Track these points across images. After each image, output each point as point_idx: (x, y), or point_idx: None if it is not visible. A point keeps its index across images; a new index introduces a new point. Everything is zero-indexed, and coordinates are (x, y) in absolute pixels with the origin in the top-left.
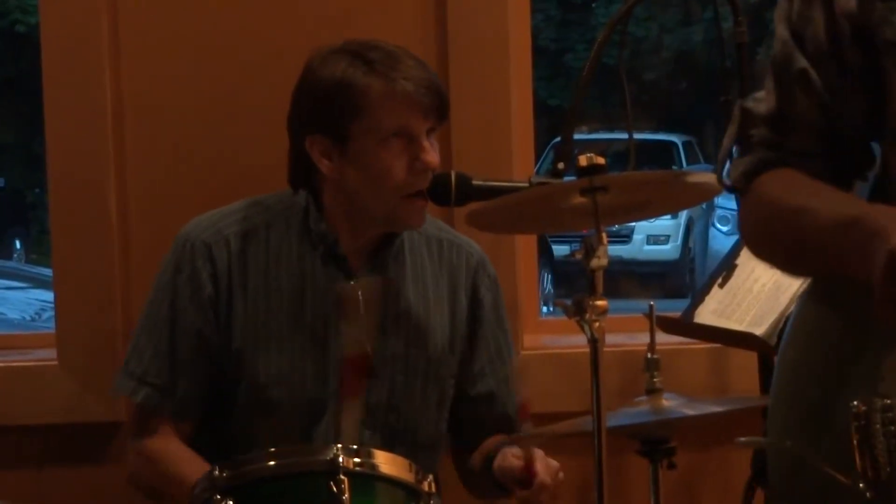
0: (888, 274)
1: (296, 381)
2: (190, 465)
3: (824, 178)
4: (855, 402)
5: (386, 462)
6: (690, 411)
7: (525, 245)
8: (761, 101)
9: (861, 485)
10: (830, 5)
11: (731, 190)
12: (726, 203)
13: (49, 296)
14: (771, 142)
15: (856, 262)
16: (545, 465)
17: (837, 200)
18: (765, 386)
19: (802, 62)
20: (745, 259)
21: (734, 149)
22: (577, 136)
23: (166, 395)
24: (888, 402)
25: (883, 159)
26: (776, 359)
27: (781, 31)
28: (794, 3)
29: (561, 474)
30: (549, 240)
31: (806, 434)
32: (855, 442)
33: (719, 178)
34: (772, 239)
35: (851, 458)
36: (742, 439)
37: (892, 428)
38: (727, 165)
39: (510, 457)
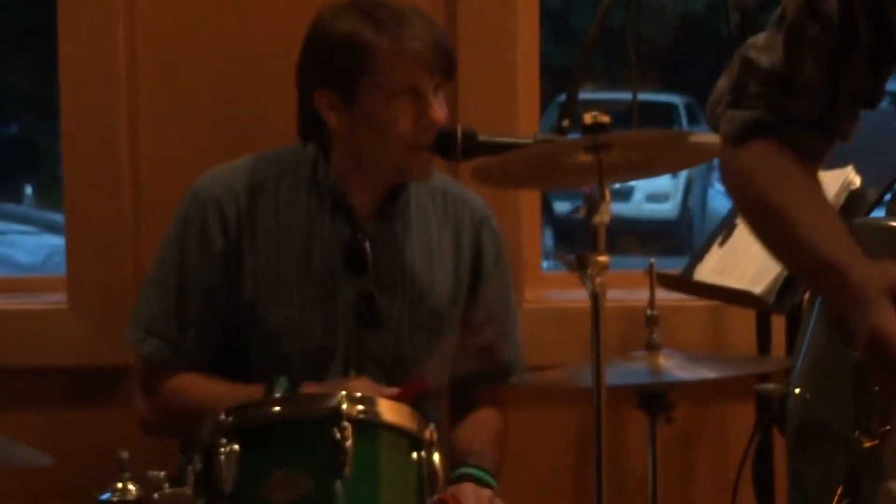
0: (871, 356)
1: (306, 332)
2: (221, 384)
3: (811, 144)
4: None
5: (389, 410)
6: (687, 374)
7: (528, 200)
8: (764, 52)
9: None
10: None
11: (720, 137)
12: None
13: (59, 241)
14: (771, 101)
15: (832, 305)
16: (472, 500)
17: (820, 223)
18: (762, 344)
19: (816, 30)
20: None
21: (730, 95)
22: (581, 96)
23: (174, 348)
24: None
25: None
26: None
27: None
28: None
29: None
30: (551, 196)
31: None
32: None
33: (710, 122)
34: (754, 222)
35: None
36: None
37: None
38: (723, 110)
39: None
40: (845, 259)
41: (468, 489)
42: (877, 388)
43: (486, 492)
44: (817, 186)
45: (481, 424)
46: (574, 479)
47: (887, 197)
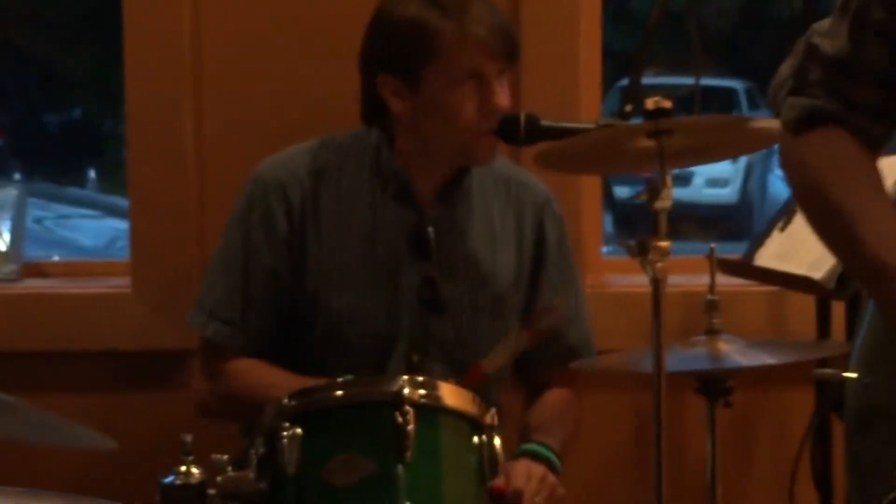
0: None
1: (368, 317)
2: (279, 373)
3: (873, 132)
4: None
5: (450, 394)
6: (747, 359)
7: (590, 185)
8: (828, 38)
9: None
10: None
11: (781, 123)
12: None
13: (121, 224)
14: (833, 88)
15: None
16: (523, 480)
17: (878, 222)
18: (821, 329)
19: (882, 14)
20: None
21: (792, 81)
22: (643, 81)
23: (236, 331)
24: None
25: None
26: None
27: None
28: None
29: (552, 482)
30: (611, 181)
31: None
32: None
33: (773, 108)
34: (812, 215)
35: None
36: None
37: None
38: (784, 96)
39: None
40: (890, 257)
41: (521, 466)
42: None
43: (539, 468)
44: (878, 181)
45: (548, 404)
46: (633, 464)
47: None
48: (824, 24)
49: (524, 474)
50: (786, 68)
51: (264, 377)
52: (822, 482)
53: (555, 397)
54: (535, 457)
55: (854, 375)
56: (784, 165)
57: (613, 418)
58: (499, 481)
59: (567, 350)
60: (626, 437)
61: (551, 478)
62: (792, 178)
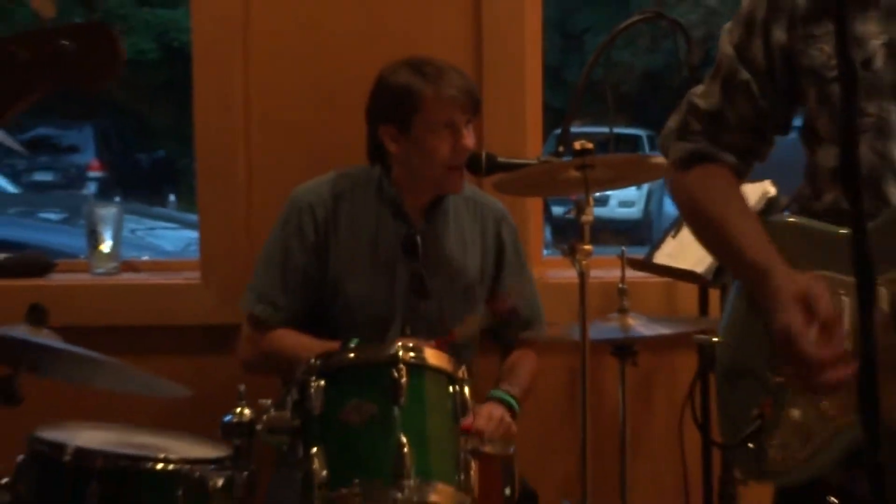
0: (779, 349)
1: (373, 301)
2: (307, 339)
3: (739, 168)
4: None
5: (432, 356)
6: (648, 331)
7: (534, 205)
8: (704, 98)
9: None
10: (768, 37)
11: (669, 162)
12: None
13: (193, 234)
14: (709, 135)
15: (752, 289)
16: (483, 421)
17: (746, 234)
18: (702, 308)
19: (746, 75)
20: None
21: (676, 131)
22: (572, 130)
23: (277, 310)
24: None
25: (807, 152)
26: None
27: (728, 49)
28: (735, 31)
29: (507, 421)
30: (549, 202)
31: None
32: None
33: (662, 150)
34: (695, 228)
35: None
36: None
37: None
38: (671, 142)
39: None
40: (766, 263)
41: (485, 409)
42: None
43: (499, 410)
44: (742, 200)
45: (512, 360)
46: (566, 408)
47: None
48: (700, 88)
49: (486, 416)
50: (671, 122)
51: (296, 342)
52: (703, 423)
53: (517, 356)
54: (499, 401)
55: (720, 339)
56: (672, 192)
57: (552, 375)
58: (466, 421)
59: (525, 323)
60: (561, 389)
61: (508, 418)
62: (679, 202)
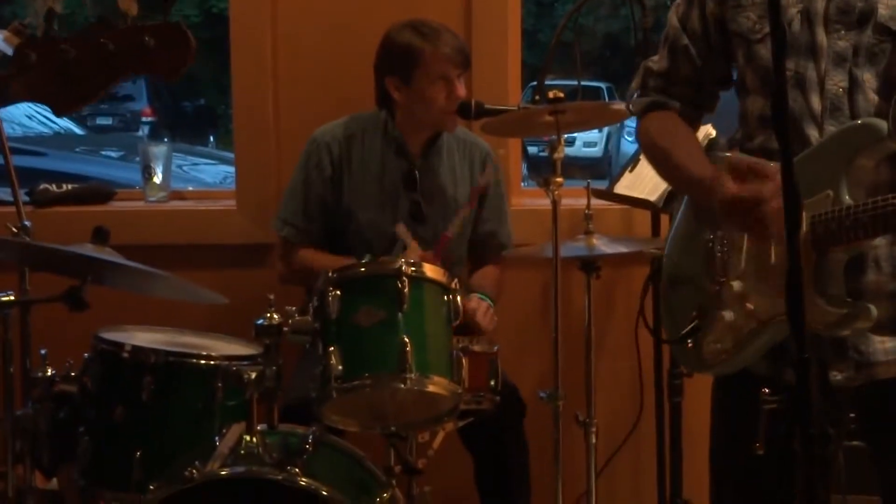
0: (727, 215)
1: (380, 225)
2: (327, 256)
3: (688, 113)
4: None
5: (430, 270)
6: (610, 249)
7: (514, 144)
8: (656, 62)
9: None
10: (703, 7)
11: (632, 114)
12: (631, 123)
13: (230, 169)
14: (660, 89)
15: (698, 203)
16: (475, 303)
17: (689, 156)
18: (654, 230)
19: (685, 40)
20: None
21: (637, 90)
22: (546, 82)
23: (301, 232)
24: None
25: (739, 101)
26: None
27: (674, 20)
28: (682, 4)
29: (491, 312)
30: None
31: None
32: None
33: (627, 107)
34: (652, 162)
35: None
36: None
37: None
38: (633, 97)
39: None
40: (706, 172)
41: (474, 299)
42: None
43: (486, 302)
44: (688, 133)
45: (487, 274)
46: (539, 316)
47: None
48: (654, 56)
49: (476, 301)
50: (633, 84)
51: (318, 258)
52: (655, 325)
53: (490, 270)
54: (481, 300)
55: (665, 252)
56: (637, 137)
57: (528, 287)
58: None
59: (500, 245)
60: (536, 299)
61: (492, 310)
62: (641, 142)
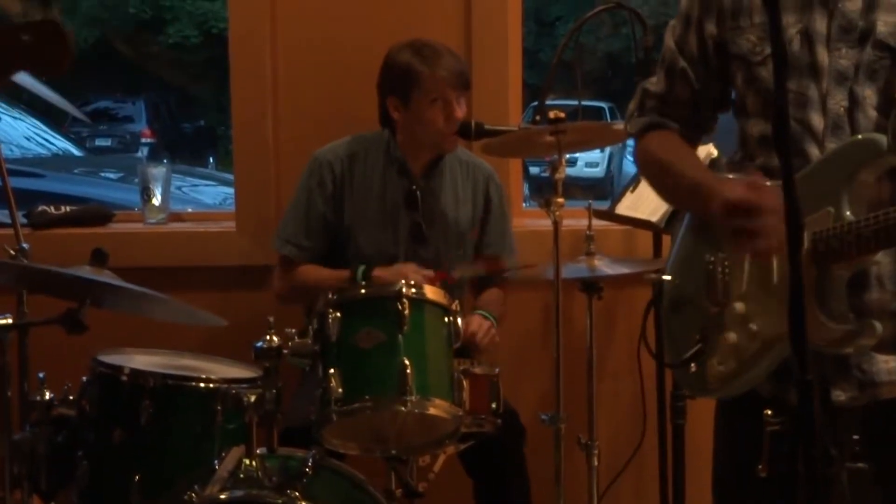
0: (728, 219)
1: (380, 245)
2: (334, 271)
3: (687, 134)
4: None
5: (431, 292)
6: (611, 270)
7: (514, 165)
8: (654, 84)
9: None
10: (701, 31)
11: (631, 135)
12: (633, 143)
13: (230, 190)
14: (658, 110)
15: (697, 209)
16: (476, 325)
17: (690, 166)
18: (656, 251)
19: (683, 63)
20: None
21: (635, 111)
22: (547, 102)
23: (302, 250)
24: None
25: (738, 123)
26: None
27: (670, 42)
28: (676, 28)
29: (493, 332)
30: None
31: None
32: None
33: (626, 127)
34: (651, 180)
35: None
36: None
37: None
38: (632, 119)
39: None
40: (707, 178)
41: (476, 317)
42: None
43: (488, 321)
44: (687, 148)
45: (490, 295)
46: (541, 335)
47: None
48: (652, 77)
49: (477, 322)
50: (631, 105)
51: (316, 274)
52: (657, 347)
53: (494, 292)
54: (484, 318)
55: (668, 277)
56: (635, 157)
57: (530, 308)
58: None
59: (503, 267)
60: (537, 320)
61: (494, 329)
62: (639, 161)
